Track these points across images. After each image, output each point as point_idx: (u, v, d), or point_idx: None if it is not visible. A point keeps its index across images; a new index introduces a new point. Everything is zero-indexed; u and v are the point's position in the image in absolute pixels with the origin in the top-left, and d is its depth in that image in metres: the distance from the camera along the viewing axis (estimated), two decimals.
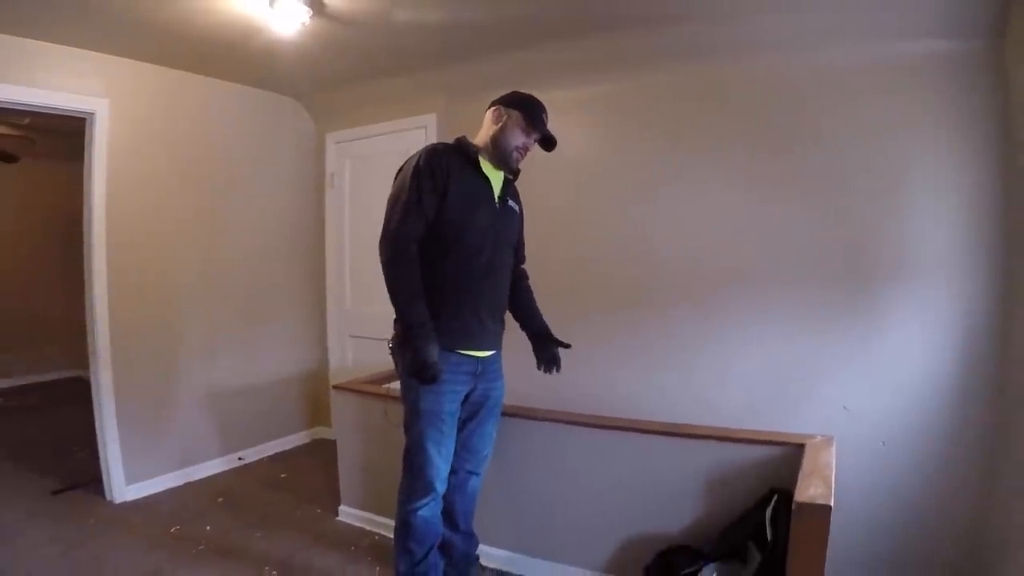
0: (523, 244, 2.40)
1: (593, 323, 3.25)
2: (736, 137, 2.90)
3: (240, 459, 3.97)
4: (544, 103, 2.12)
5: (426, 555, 2.09)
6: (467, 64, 3.37)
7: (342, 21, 2.81)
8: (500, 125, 2.07)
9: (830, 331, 2.70)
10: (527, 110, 2.06)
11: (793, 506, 1.50)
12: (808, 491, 1.53)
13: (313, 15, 2.65)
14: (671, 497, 2.21)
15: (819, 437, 2.02)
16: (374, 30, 2.94)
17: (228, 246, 3.92)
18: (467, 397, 2.13)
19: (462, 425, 2.15)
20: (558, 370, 2.29)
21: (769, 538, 1.85)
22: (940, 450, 2.48)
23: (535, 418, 2.49)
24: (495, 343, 2.17)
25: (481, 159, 2.08)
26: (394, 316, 2.05)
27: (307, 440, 4.48)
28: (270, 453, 4.17)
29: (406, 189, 1.94)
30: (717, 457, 2.12)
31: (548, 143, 2.12)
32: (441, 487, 2.09)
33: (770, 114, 2.83)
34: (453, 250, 1.98)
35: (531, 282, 2.48)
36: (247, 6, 2.61)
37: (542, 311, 2.40)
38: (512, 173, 2.15)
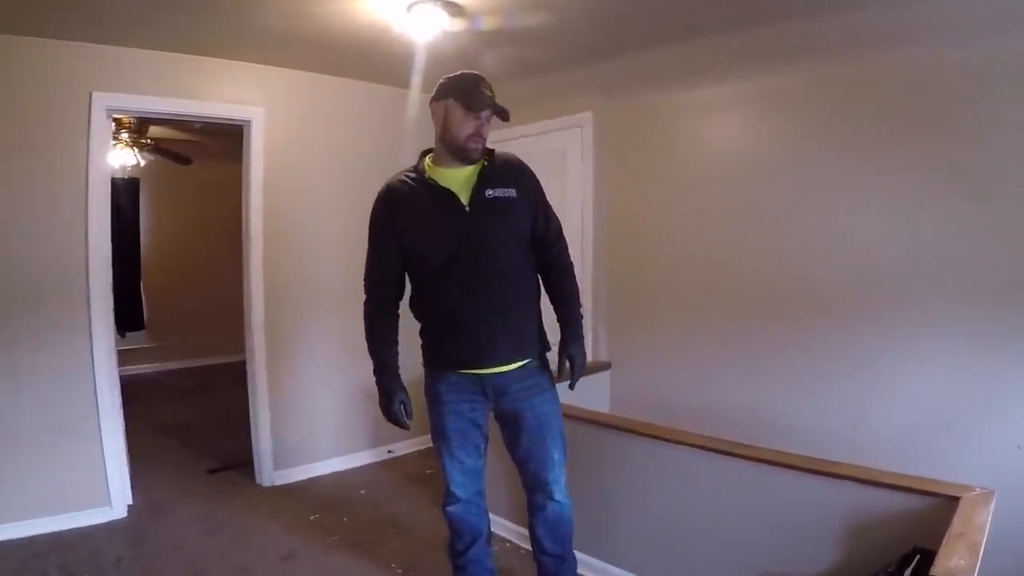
0: (548, 227, 2.01)
1: (747, 335, 2.97)
2: (908, 135, 2.48)
3: (390, 452, 3.93)
4: (484, 76, 1.87)
5: (466, 549, 2.08)
6: (622, 59, 3.19)
7: (482, 23, 2.70)
8: (441, 122, 1.88)
9: (1008, 357, 2.27)
10: (461, 95, 1.83)
11: None
12: (950, 561, 1.31)
13: (452, 17, 2.55)
14: (807, 538, 1.93)
15: (978, 490, 1.65)
16: (516, 30, 2.79)
17: None
18: (500, 417, 2.03)
19: (512, 449, 2.06)
20: (570, 386, 2.06)
21: None
22: None
23: (668, 440, 2.27)
24: (507, 356, 1.92)
25: (433, 168, 1.94)
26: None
27: None
28: (420, 448, 4.03)
29: (369, 239, 2.00)
30: (859, 501, 1.82)
31: (502, 115, 1.85)
32: (462, 494, 2.06)
33: (949, 109, 2.38)
34: (427, 273, 1.93)
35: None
36: (386, 14, 2.60)
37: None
38: (471, 162, 1.90)
